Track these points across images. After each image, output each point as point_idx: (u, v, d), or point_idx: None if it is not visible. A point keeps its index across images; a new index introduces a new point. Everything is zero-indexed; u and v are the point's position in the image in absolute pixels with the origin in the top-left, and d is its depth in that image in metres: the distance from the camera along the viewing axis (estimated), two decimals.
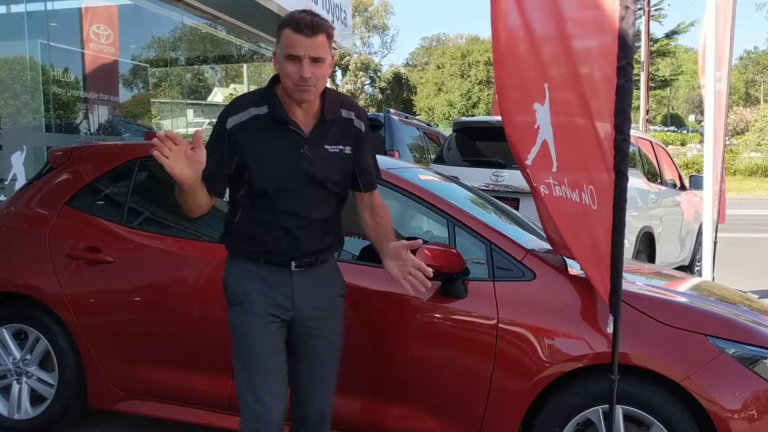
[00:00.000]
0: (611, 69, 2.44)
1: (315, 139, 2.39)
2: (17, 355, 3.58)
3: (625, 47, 2.42)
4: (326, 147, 2.41)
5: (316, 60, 2.27)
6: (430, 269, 2.48)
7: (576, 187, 2.65)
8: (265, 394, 2.36)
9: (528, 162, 2.87)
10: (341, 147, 2.45)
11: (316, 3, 10.24)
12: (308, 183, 2.39)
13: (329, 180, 2.43)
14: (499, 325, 2.85)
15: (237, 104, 2.41)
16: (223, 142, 2.36)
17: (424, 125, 9.75)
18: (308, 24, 2.26)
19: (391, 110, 7.89)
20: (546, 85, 2.69)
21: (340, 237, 2.60)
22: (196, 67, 13.16)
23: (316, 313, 2.48)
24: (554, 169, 2.74)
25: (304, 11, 2.31)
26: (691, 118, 55.58)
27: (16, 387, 3.56)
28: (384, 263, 2.54)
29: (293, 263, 2.43)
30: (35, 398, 3.57)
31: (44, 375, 3.55)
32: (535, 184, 2.88)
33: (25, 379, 3.56)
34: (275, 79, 2.41)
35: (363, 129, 2.52)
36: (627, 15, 2.41)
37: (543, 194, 2.84)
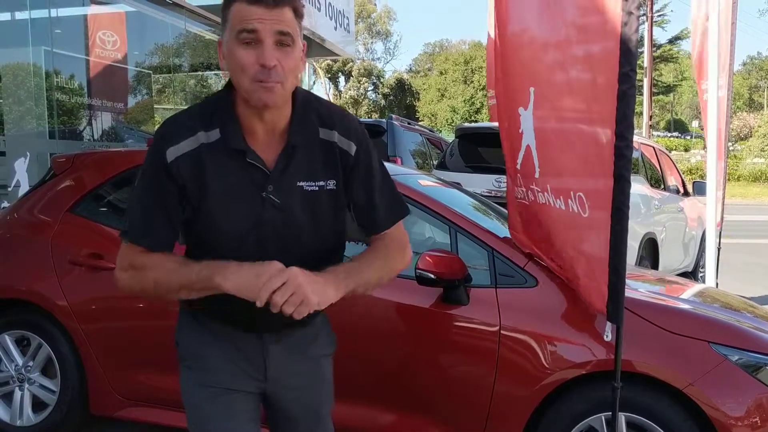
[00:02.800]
0: (613, 75, 2.43)
1: (282, 174, 1.67)
2: (19, 361, 3.58)
3: (627, 53, 2.40)
4: (299, 184, 1.69)
5: (282, 40, 1.58)
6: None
7: (560, 194, 2.63)
8: None
9: (518, 166, 2.87)
10: (322, 182, 1.71)
11: (319, 10, 10.28)
12: (276, 239, 1.69)
13: (307, 232, 1.72)
14: (502, 332, 2.84)
15: (178, 127, 1.67)
16: (163, 180, 1.64)
17: (427, 131, 9.77)
18: None
19: (394, 116, 7.91)
20: (532, 89, 2.67)
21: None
22: (200, 73, 13.18)
23: (296, 381, 1.87)
24: (536, 175, 2.73)
25: None
26: (695, 123, 55.55)
27: (18, 393, 3.56)
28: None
29: (265, 334, 1.80)
30: (37, 405, 3.57)
31: (46, 381, 3.55)
32: (524, 189, 2.87)
33: (27, 385, 3.56)
34: (229, 87, 1.69)
35: (352, 151, 1.74)
36: (630, 21, 2.39)
37: (529, 200, 2.83)
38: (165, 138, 1.65)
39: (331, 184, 1.73)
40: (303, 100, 1.71)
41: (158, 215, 1.66)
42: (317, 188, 1.71)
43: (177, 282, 1.66)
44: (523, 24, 2.74)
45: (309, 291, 1.54)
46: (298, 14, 1.63)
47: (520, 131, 2.74)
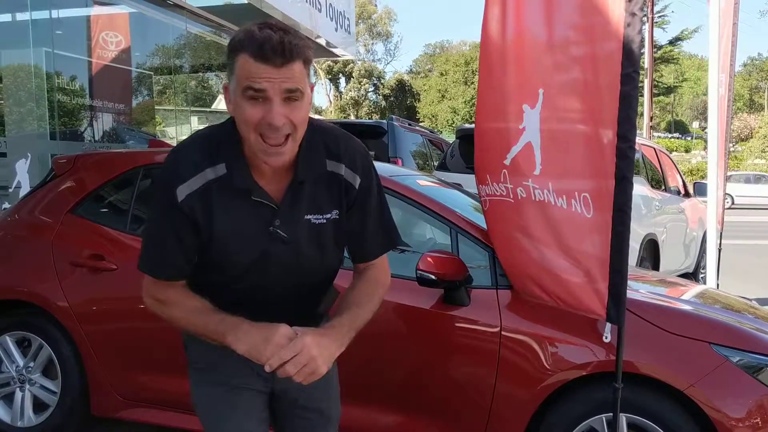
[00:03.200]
0: (615, 76, 2.43)
1: (290, 209, 1.68)
2: (20, 362, 3.58)
3: (630, 54, 2.41)
4: (307, 217, 1.70)
5: (290, 96, 1.54)
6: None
7: (564, 193, 2.62)
8: None
9: (506, 162, 2.84)
10: (326, 216, 1.73)
11: (320, 11, 10.28)
12: (284, 272, 1.72)
13: (311, 262, 1.75)
14: (502, 332, 2.84)
15: (187, 164, 1.64)
16: (175, 215, 1.64)
17: (428, 132, 9.77)
18: (276, 47, 1.49)
19: (395, 117, 7.92)
20: (541, 90, 2.67)
21: (328, 307, 1.94)
22: (201, 74, 13.19)
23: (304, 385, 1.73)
24: (536, 173, 2.72)
25: (267, 25, 1.54)
26: (695, 124, 55.52)
27: (19, 394, 3.57)
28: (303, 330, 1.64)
29: None
30: (38, 405, 3.57)
31: (47, 382, 3.55)
32: (510, 186, 2.83)
33: (28, 386, 3.56)
34: (234, 121, 1.64)
35: (356, 184, 1.75)
36: (633, 22, 2.40)
37: (519, 197, 2.79)
38: (175, 175, 1.64)
39: (335, 214, 1.74)
40: (310, 132, 1.67)
41: (173, 247, 1.68)
42: (324, 220, 1.72)
43: (194, 327, 1.73)
44: (532, 24, 2.74)
45: (320, 362, 1.59)
46: (308, 62, 1.57)
47: (521, 127, 2.73)
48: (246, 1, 8.78)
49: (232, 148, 1.64)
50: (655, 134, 39.61)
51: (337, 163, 1.72)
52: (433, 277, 2.78)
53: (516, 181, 2.78)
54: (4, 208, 6.12)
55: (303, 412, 1.94)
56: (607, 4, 2.46)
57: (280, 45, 1.50)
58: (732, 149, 36.80)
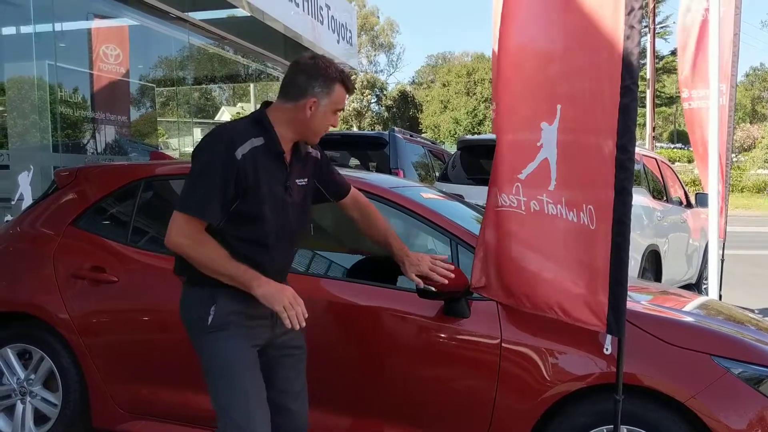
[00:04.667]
0: (615, 88, 2.44)
1: (292, 174, 2.48)
2: (21, 374, 3.58)
3: (629, 66, 2.42)
4: (297, 180, 2.51)
5: None
6: (452, 265, 2.77)
7: (574, 206, 2.63)
8: (257, 414, 2.37)
9: (521, 176, 2.84)
10: (306, 181, 2.56)
11: (322, 23, 10.32)
12: (287, 214, 2.46)
13: (299, 212, 2.53)
14: (503, 344, 2.84)
15: (239, 134, 2.35)
16: (230, 173, 2.28)
17: (429, 143, 9.78)
18: (352, 83, 2.52)
19: (396, 128, 7.92)
20: (559, 107, 2.68)
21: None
22: (204, 86, 13.25)
23: (286, 328, 2.41)
24: (551, 188, 2.72)
25: (346, 71, 2.49)
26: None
27: (20, 407, 3.57)
28: (403, 267, 2.73)
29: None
30: (39, 418, 3.57)
31: (48, 395, 3.55)
32: (524, 199, 2.83)
33: (29, 398, 3.56)
34: (266, 105, 2.47)
35: (320, 156, 2.66)
36: (632, 34, 2.41)
37: (532, 210, 2.79)
38: (233, 140, 2.32)
39: (309, 183, 2.58)
40: None
41: (219, 194, 2.28)
42: (304, 183, 2.55)
43: (225, 269, 2.32)
44: (550, 41, 2.75)
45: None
46: None
47: (539, 144, 2.74)
48: (248, 14, 8.82)
49: (267, 127, 2.40)
50: (658, 144, 39.69)
51: (307, 146, 2.58)
52: (433, 288, 2.78)
53: (530, 195, 2.78)
54: (7, 221, 6.14)
55: (292, 350, 2.59)
56: (606, 17, 2.47)
57: (353, 82, 2.52)
58: (735, 159, 36.77)
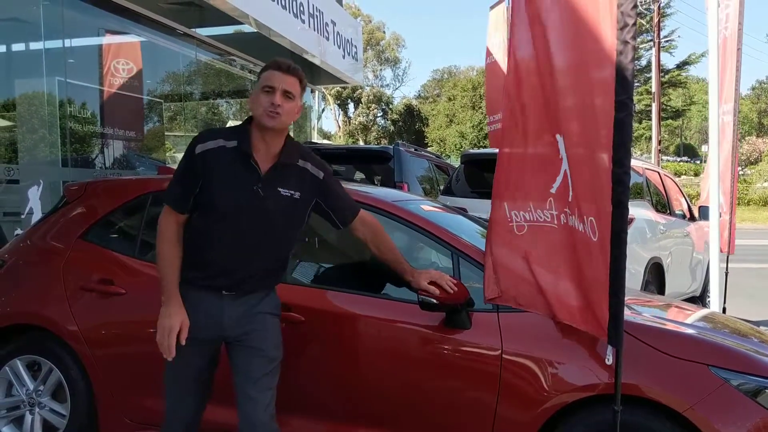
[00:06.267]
0: (610, 103, 2.48)
1: (269, 180, 2.59)
2: (30, 385, 3.63)
3: (623, 81, 2.46)
4: (279, 189, 2.61)
5: (287, 94, 2.56)
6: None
7: (581, 217, 2.69)
8: (177, 397, 2.72)
9: (552, 191, 2.87)
10: (292, 192, 2.64)
11: (328, 39, 10.42)
12: (255, 219, 2.58)
13: (275, 220, 2.62)
14: (504, 356, 2.88)
15: (208, 134, 2.64)
16: (189, 165, 2.59)
17: (434, 157, 9.82)
18: (286, 64, 2.59)
19: (401, 142, 7.97)
20: (565, 120, 2.73)
21: (280, 275, 2.82)
22: (211, 101, 13.35)
23: (246, 326, 2.67)
24: (570, 199, 2.77)
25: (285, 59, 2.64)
26: (704, 148, 55.27)
27: (28, 417, 3.60)
28: (413, 282, 2.88)
29: (223, 291, 2.64)
30: (48, 429, 3.60)
31: (56, 406, 3.59)
32: (555, 213, 2.87)
33: (37, 409, 3.60)
34: (250, 120, 2.64)
35: (322, 177, 2.74)
36: (625, 50, 2.45)
37: (562, 223, 2.84)
38: (198, 139, 2.61)
39: (297, 195, 2.66)
40: (289, 141, 2.70)
41: (179, 187, 2.60)
42: (289, 194, 2.64)
43: (161, 267, 2.64)
44: (554, 53, 2.79)
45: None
46: (302, 84, 2.65)
47: (560, 157, 2.79)
48: (255, 30, 8.93)
49: (243, 134, 2.60)
50: (664, 158, 39.64)
51: (305, 162, 2.71)
52: (434, 300, 2.82)
53: (560, 208, 2.82)
54: (17, 234, 6.21)
55: (248, 351, 2.68)
56: (600, 32, 2.52)
57: (288, 64, 2.60)
58: (741, 173, 36.69)
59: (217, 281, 2.63)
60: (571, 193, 2.75)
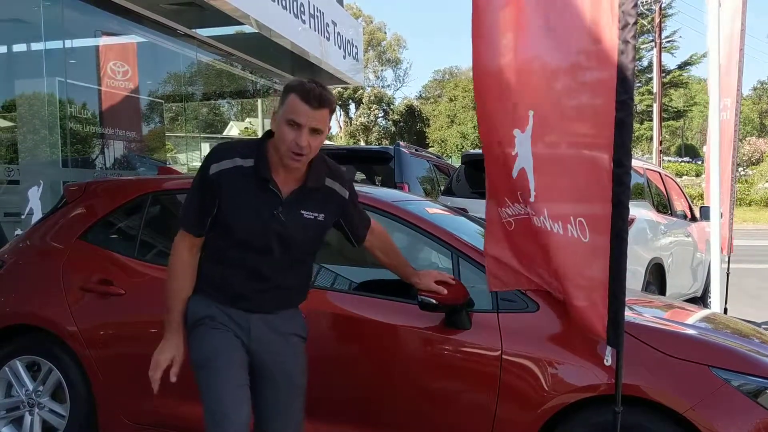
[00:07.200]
0: (611, 102, 2.47)
1: (291, 203, 2.40)
2: (30, 386, 3.63)
3: (624, 81, 2.45)
4: (302, 212, 2.42)
5: (315, 131, 2.29)
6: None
7: (559, 218, 2.65)
8: (228, 406, 2.34)
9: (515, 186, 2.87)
10: (316, 214, 2.45)
11: (328, 39, 10.42)
12: (275, 244, 2.40)
13: (299, 243, 2.45)
14: (504, 356, 2.87)
15: (223, 151, 2.41)
16: (204, 186, 2.38)
17: (434, 157, 9.82)
18: (316, 96, 2.26)
19: (401, 143, 7.97)
20: (531, 113, 2.71)
21: (301, 297, 2.63)
22: (212, 102, 13.36)
23: (273, 347, 2.48)
24: (531, 199, 2.75)
25: (313, 81, 2.31)
26: (706, 149, 55.05)
27: (28, 418, 3.60)
28: (420, 284, 2.80)
29: (246, 311, 2.46)
30: (47, 429, 3.61)
31: (56, 406, 3.59)
32: (522, 205, 2.86)
33: (37, 410, 3.60)
34: (269, 134, 2.41)
35: (347, 196, 2.57)
36: (626, 49, 2.44)
37: (535, 224, 2.82)
38: (211, 158, 2.39)
39: (321, 217, 2.47)
40: (318, 158, 2.44)
41: (194, 209, 2.42)
42: (312, 217, 2.44)
43: (168, 295, 2.47)
44: (527, 48, 2.77)
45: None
46: (332, 112, 2.35)
47: (514, 153, 2.77)
48: (256, 31, 8.92)
49: (261, 152, 2.37)
50: (665, 158, 39.61)
51: (333, 181, 2.51)
52: (434, 301, 2.81)
53: (525, 202, 2.81)
54: (17, 235, 6.21)
55: (274, 374, 2.48)
56: (601, 32, 2.50)
57: (319, 95, 2.26)
58: (743, 173, 36.65)
59: (238, 303, 2.45)
60: (533, 194, 2.72)
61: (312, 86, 2.26)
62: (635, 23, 2.42)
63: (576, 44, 2.63)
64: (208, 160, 2.39)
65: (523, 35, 2.79)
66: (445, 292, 2.78)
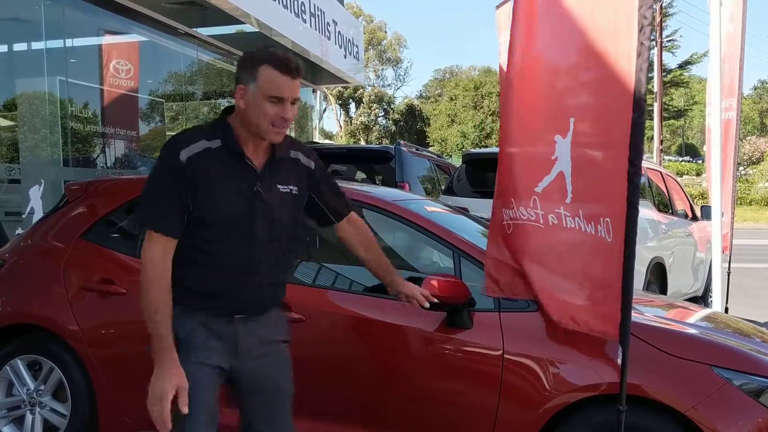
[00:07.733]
0: (627, 103, 2.48)
1: (267, 177, 2.26)
2: (31, 385, 3.62)
3: (639, 82, 2.47)
4: (278, 186, 2.29)
5: (294, 101, 2.19)
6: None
7: (592, 219, 2.66)
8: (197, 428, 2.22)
9: (538, 190, 2.88)
10: (291, 187, 2.32)
11: (329, 38, 10.42)
12: (260, 223, 2.23)
13: (282, 222, 2.30)
14: (505, 356, 2.87)
15: (189, 136, 2.22)
16: (177, 176, 2.14)
17: (435, 157, 9.81)
18: (295, 65, 2.14)
19: (402, 142, 7.96)
20: (572, 120, 2.73)
21: (285, 287, 2.46)
22: (213, 101, 13.35)
23: (262, 360, 2.33)
24: (568, 201, 2.76)
25: (276, 49, 2.20)
26: (706, 148, 54.99)
27: (29, 417, 3.60)
28: (398, 294, 2.67)
29: (236, 316, 2.28)
30: (48, 429, 3.60)
31: (57, 405, 3.59)
32: (541, 212, 2.87)
33: (38, 409, 3.60)
34: (227, 111, 2.27)
35: (313, 167, 2.43)
36: (642, 51, 2.46)
37: (551, 223, 2.83)
38: (178, 143, 2.18)
39: (295, 190, 2.35)
40: None
41: (170, 203, 2.15)
42: (288, 190, 2.32)
43: (150, 316, 2.21)
44: (560, 53, 2.79)
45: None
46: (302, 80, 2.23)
47: (554, 158, 2.78)
48: (257, 30, 8.93)
49: (225, 130, 2.23)
50: (666, 158, 39.59)
51: (296, 152, 2.39)
52: (436, 300, 2.81)
53: (548, 208, 2.81)
54: (18, 234, 6.21)
55: (259, 384, 2.34)
56: (619, 34, 2.52)
57: (296, 64, 2.15)
58: (743, 173, 36.64)
59: (227, 307, 2.26)
60: (570, 195, 2.73)
61: (285, 55, 2.15)
62: (650, 25, 2.45)
63: (601, 53, 2.64)
64: (173, 147, 2.17)
65: (556, 44, 2.81)
66: (427, 305, 2.67)
